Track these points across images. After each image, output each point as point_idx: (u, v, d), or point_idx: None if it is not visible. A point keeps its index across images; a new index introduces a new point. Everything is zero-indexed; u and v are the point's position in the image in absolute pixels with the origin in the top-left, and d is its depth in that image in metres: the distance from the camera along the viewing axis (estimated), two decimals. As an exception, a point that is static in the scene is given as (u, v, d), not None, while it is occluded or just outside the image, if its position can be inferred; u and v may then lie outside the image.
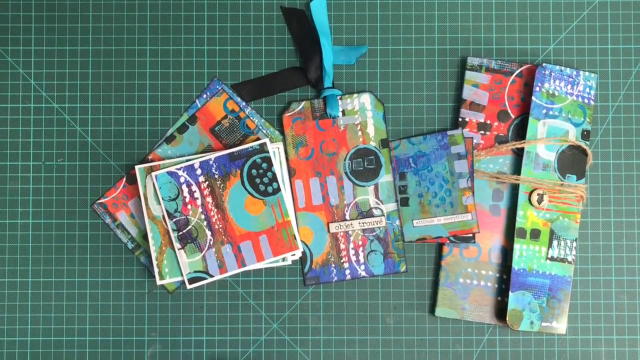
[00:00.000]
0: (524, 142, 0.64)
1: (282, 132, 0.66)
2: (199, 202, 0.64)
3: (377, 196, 0.65)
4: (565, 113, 0.65)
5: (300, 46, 0.66)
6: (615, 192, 0.66)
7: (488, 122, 0.66)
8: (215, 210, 0.64)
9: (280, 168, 0.65)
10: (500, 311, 0.65)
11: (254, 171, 0.64)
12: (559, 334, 0.65)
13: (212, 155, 0.64)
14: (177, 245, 0.64)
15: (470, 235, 0.65)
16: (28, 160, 0.66)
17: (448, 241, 0.65)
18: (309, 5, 0.66)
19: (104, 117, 0.67)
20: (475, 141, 0.65)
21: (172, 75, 0.67)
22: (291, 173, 0.66)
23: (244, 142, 0.65)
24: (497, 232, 0.65)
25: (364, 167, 0.65)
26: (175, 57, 0.67)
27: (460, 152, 0.65)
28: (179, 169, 0.64)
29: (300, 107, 0.66)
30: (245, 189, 0.64)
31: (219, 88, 0.66)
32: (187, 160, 0.64)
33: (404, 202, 0.65)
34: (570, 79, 0.65)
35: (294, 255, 0.65)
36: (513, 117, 0.66)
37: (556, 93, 0.65)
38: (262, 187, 0.64)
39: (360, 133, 0.66)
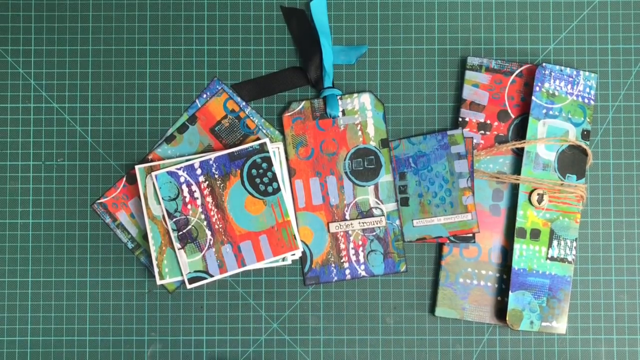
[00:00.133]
0: (524, 142, 0.64)
1: (282, 132, 0.66)
2: (199, 202, 0.64)
3: (377, 196, 0.65)
4: (565, 113, 0.65)
5: (300, 46, 0.66)
6: (615, 192, 0.66)
7: (488, 122, 0.66)
8: (215, 210, 0.64)
9: (280, 168, 0.65)
10: (500, 311, 0.65)
11: (254, 171, 0.64)
12: (559, 333, 0.65)
13: (212, 155, 0.64)
14: (177, 245, 0.64)
15: (470, 235, 0.65)
16: (28, 160, 0.66)
17: (448, 241, 0.65)
18: (309, 5, 0.66)
19: (104, 117, 0.67)
20: (475, 141, 0.65)
21: (172, 75, 0.67)
22: (291, 173, 0.66)
23: (244, 142, 0.65)
24: (497, 232, 0.65)
25: (364, 167, 0.65)
26: (175, 57, 0.67)
27: (460, 152, 0.65)
28: (179, 169, 0.64)
29: (300, 107, 0.66)
30: (245, 188, 0.64)
31: (219, 88, 0.66)
32: (187, 160, 0.64)
33: (404, 202, 0.65)
34: (570, 79, 0.65)
35: (294, 255, 0.65)
36: (513, 117, 0.66)
37: (556, 93, 0.65)
38: (262, 187, 0.64)
39: (360, 133, 0.66)
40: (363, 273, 0.65)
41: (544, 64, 0.65)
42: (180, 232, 0.64)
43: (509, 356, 0.65)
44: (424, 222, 0.65)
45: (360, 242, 0.65)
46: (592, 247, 0.66)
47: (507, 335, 0.66)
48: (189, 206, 0.64)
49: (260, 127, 0.66)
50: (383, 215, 0.65)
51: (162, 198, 0.64)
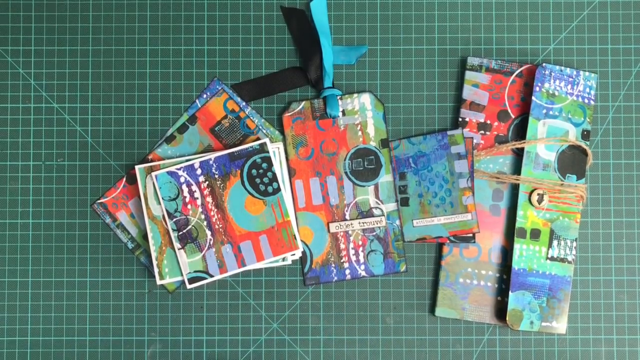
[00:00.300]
0: (524, 142, 0.64)
1: (282, 132, 0.66)
2: (199, 202, 0.64)
3: (377, 196, 0.65)
4: (565, 113, 0.65)
5: (300, 46, 0.66)
6: (615, 192, 0.66)
7: (488, 122, 0.66)
8: (215, 210, 0.64)
9: (280, 168, 0.65)
10: (500, 311, 0.65)
11: (254, 171, 0.64)
12: (559, 333, 0.65)
13: (212, 155, 0.64)
14: (177, 245, 0.64)
15: (470, 235, 0.65)
16: (28, 160, 0.66)
17: (448, 241, 0.65)
18: (309, 5, 0.66)
19: (104, 117, 0.67)
20: (475, 141, 0.65)
21: (172, 75, 0.67)
22: (291, 173, 0.66)
23: (244, 142, 0.65)
24: (497, 232, 0.65)
25: (364, 167, 0.65)
26: (175, 57, 0.67)
27: (460, 152, 0.65)
28: (179, 169, 0.64)
29: (300, 107, 0.66)
30: (245, 188, 0.64)
31: (219, 88, 0.66)
32: (187, 160, 0.64)
33: (404, 202, 0.65)
34: (570, 79, 0.65)
35: (294, 255, 0.65)
36: (513, 117, 0.66)
37: (556, 93, 0.65)
38: (262, 187, 0.64)
39: (360, 133, 0.66)
40: (363, 273, 0.65)
41: (544, 64, 0.65)
42: (180, 232, 0.64)
43: (509, 356, 0.65)
44: (424, 222, 0.65)
45: (360, 242, 0.65)
46: (592, 247, 0.66)
47: (507, 335, 0.66)
48: (189, 206, 0.64)
49: (260, 127, 0.66)
50: (383, 215, 0.65)
51: (162, 198, 0.64)
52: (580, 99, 0.65)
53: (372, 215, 0.65)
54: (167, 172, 0.64)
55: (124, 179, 0.66)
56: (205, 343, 0.66)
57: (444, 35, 0.67)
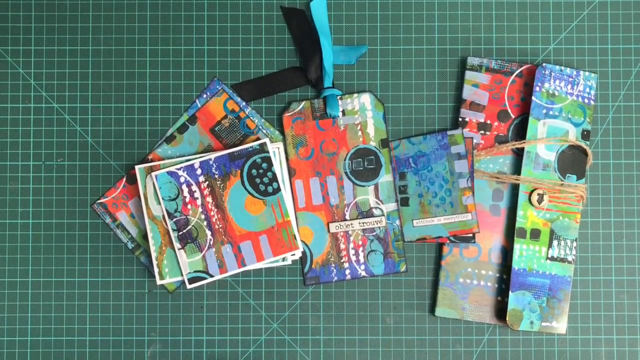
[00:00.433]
0: (524, 142, 0.64)
1: (282, 132, 0.66)
2: (199, 202, 0.64)
3: (377, 196, 0.65)
4: (565, 113, 0.65)
5: (300, 46, 0.66)
6: (615, 192, 0.66)
7: (488, 122, 0.66)
8: (215, 210, 0.64)
9: (280, 168, 0.65)
10: (500, 311, 0.65)
11: (254, 171, 0.64)
12: (559, 333, 0.65)
13: (212, 155, 0.64)
14: (177, 245, 0.64)
15: (470, 235, 0.65)
16: (28, 160, 0.66)
17: (448, 241, 0.65)
18: (309, 5, 0.66)
19: (104, 117, 0.67)
20: (475, 141, 0.65)
21: (172, 75, 0.67)
22: (291, 173, 0.66)
23: (244, 142, 0.65)
24: (497, 232, 0.65)
25: (364, 167, 0.65)
26: (175, 57, 0.67)
27: (460, 152, 0.65)
28: (179, 169, 0.64)
29: (300, 107, 0.66)
30: (245, 188, 0.64)
31: (219, 88, 0.66)
32: (187, 160, 0.64)
33: (404, 202, 0.65)
34: (570, 79, 0.65)
35: (294, 255, 0.65)
36: (513, 117, 0.66)
37: (556, 93, 0.65)
38: (262, 187, 0.64)
39: (360, 133, 0.66)
40: (363, 273, 0.65)
41: (544, 64, 0.65)
42: (180, 232, 0.64)
43: (509, 356, 0.65)
44: (424, 222, 0.65)
45: (360, 242, 0.65)
46: (592, 247, 0.66)
47: (507, 335, 0.66)
48: (189, 206, 0.64)
49: (260, 127, 0.66)
50: (383, 215, 0.65)
51: (162, 198, 0.64)
52: (580, 99, 0.65)
53: (372, 215, 0.65)
54: (167, 172, 0.64)
55: (124, 179, 0.66)
56: (205, 343, 0.66)
57: (444, 35, 0.67)
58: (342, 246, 0.65)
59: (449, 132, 0.65)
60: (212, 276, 0.64)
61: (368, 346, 0.66)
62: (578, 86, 0.65)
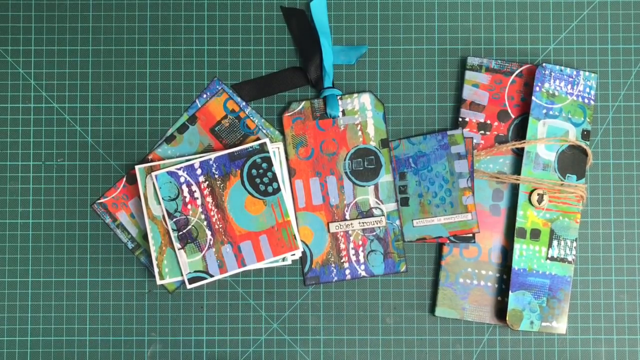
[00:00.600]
0: (524, 142, 0.64)
1: (282, 132, 0.66)
2: (199, 202, 0.64)
3: (377, 196, 0.65)
4: (565, 113, 0.65)
5: (300, 46, 0.66)
6: (615, 192, 0.66)
7: (488, 122, 0.66)
8: (215, 210, 0.64)
9: (280, 168, 0.65)
10: (500, 311, 0.65)
11: (254, 171, 0.64)
12: (559, 333, 0.65)
13: (212, 155, 0.64)
14: (177, 245, 0.64)
15: (470, 235, 0.65)
16: (28, 160, 0.66)
17: (448, 241, 0.65)
18: (309, 5, 0.66)
19: (104, 117, 0.67)
20: (475, 141, 0.65)
21: (172, 75, 0.67)
22: (291, 173, 0.66)
23: (244, 142, 0.65)
24: (497, 232, 0.65)
25: (364, 167, 0.65)
26: (175, 57, 0.67)
27: (460, 152, 0.65)
28: (179, 169, 0.64)
29: (300, 107, 0.66)
30: (245, 188, 0.64)
31: (219, 88, 0.66)
32: (187, 160, 0.64)
33: (404, 202, 0.65)
34: (570, 79, 0.65)
35: (294, 255, 0.65)
36: (513, 117, 0.66)
37: (556, 93, 0.65)
38: (262, 187, 0.64)
39: (360, 133, 0.66)
40: (363, 273, 0.65)
41: (544, 64, 0.65)
42: (180, 232, 0.64)
43: (509, 356, 0.65)
44: (424, 222, 0.65)
45: (360, 242, 0.65)
46: (592, 247, 0.66)
47: (507, 335, 0.66)
48: (189, 206, 0.64)
49: (260, 127, 0.66)
50: (383, 215, 0.65)
51: (162, 198, 0.64)
52: (580, 99, 0.65)
53: (372, 215, 0.65)
54: (167, 172, 0.64)
55: (124, 179, 0.66)
56: (205, 343, 0.66)
57: (444, 35, 0.67)
58: (342, 246, 0.65)
59: (449, 132, 0.65)
60: (212, 276, 0.64)
61: (368, 346, 0.66)
62: (578, 86, 0.65)
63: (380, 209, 0.65)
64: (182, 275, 0.64)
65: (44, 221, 0.66)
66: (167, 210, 0.63)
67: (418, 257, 0.66)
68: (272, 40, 0.67)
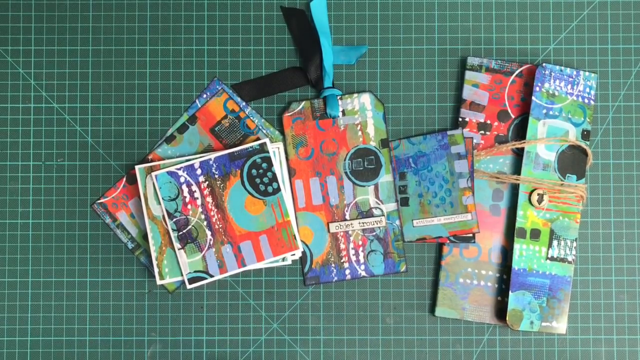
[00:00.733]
0: (524, 142, 0.64)
1: (282, 132, 0.66)
2: (199, 202, 0.64)
3: (377, 196, 0.65)
4: (565, 113, 0.65)
5: (300, 46, 0.66)
6: (615, 192, 0.66)
7: (488, 122, 0.66)
8: (215, 210, 0.64)
9: (280, 168, 0.65)
10: (500, 311, 0.65)
11: (254, 171, 0.64)
12: (559, 334, 0.65)
13: (212, 155, 0.64)
14: (177, 245, 0.64)
15: (470, 235, 0.65)
16: (28, 160, 0.67)
17: (448, 241, 0.65)
18: (309, 5, 0.67)
19: (104, 117, 0.67)
20: (475, 141, 0.65)
21: (172, 75, 0.67)
22: (291, 173, 0.66)
23: (244, 142, 0.65)
24: (497, 232, 0.65)
25: (364, 167, 0.65)
26: (175, 57, 0.67)
27: (460, 152, 0.65)
28: (179, 169, 0.64)
29: (300, 107, 0.66)
30: (245, 189, 0.64)
31: (219, 88, 0.66)
32: (187, 160, 0.64)
33: (404, 202, 0.65)
34: (570, 79, 0.65)
35: (294, 255, 0.65)
36: (513, 117, 0.66)
37: (556, 93, 0.65)
38: (262, 187, 0.64)
39: (360, 133, 0.66)
40: (363, 273, 0.65)
41: (544, 64, 0.65)
42: (180, 232, 0.64)
43: (509, 356, 0.65)
44: (424, 222, 0.65)
45: (360, 242, 0.65)
46: (592, 247, 0.66)
47: (507, 335, 0.66)
48: (189, 206, 0.64)
49: (260, 127, 0.66)
50: (383, 215, 0.65)
51: (162, 198, 0.64)
52: (580, 99, 0.65)
53: (372, 215, 0.65)
54: (167, 172, 0.64)
55: (124, 179, 0.66)
56: (205, 343, 0.66)
57: (444, 35, 0.67)
58: (342, 246, 0.65)
59: (449, 132, 0.65)
60: (212, 276, 0.64)
61: (368, 346, 0.66)
62: (578, 86, 0.65)
63: (380, 209, 0.65)
64: (182, 275, 0.64)
65: (44, 221, 0.66)
66: (167, 210, 0.63)
67: (418, 257, 0.66)
68: (272, 40, 0.67)
